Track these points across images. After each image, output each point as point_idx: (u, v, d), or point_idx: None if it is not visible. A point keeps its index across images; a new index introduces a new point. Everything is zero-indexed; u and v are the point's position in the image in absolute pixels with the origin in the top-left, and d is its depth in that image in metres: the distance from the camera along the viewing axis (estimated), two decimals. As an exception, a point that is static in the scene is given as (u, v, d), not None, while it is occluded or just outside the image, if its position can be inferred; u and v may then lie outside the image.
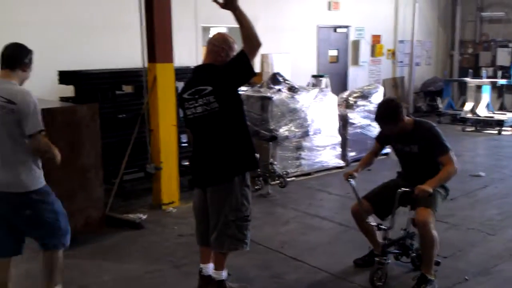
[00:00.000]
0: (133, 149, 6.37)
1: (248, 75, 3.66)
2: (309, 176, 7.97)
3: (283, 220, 6.14)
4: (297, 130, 7.84)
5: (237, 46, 3.75)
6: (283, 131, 7.69)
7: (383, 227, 4.29)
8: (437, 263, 4.32)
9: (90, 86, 6.82)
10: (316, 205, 6.70)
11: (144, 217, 5.92)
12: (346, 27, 13.51)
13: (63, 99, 7.06)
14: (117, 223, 5.82)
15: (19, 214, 3.60)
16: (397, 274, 4.51)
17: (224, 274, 3.99)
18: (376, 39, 14.31)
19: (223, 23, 11.61)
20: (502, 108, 13.76)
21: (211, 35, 3.84)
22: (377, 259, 4.26)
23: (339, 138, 8.45)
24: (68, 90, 7.29)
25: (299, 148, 7.89)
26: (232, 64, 3.61)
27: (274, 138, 7.39)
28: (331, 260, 4.92)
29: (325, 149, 8.23)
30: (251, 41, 3.51)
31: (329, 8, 12.95)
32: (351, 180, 4.34)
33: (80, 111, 5.32)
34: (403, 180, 4.34)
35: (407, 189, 4.02)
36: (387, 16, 14.50)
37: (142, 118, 6.36)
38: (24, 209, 3.58)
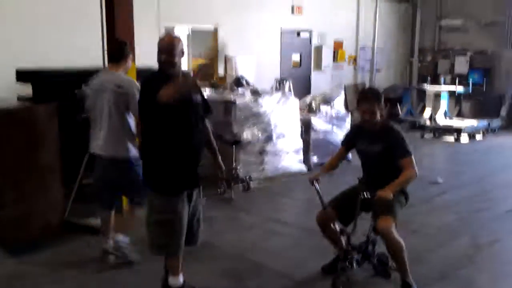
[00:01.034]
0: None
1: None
2: (272, 181, 7.95)
3: (246, 225, 6.10)
4: (260, 134, 7.82)
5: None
6: (246, 135, 7.65)
7: (346, 231, 4.32)
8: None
9: (49, 85, 6.60)
10: (280, 210, 6.69)
11: (103, 221, 5.74)
12: (309, 31, 13.60)
13: (20, 98, 6.83)
14: (76, 228, 5.64)
15: (123, 176, 4.62)
16: (360, 279, 4.52)
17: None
18: (338, 45, 14.46)
19: (185, 22, 11.59)
20: (460, 115, 14.10)
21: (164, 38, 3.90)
22: (340, 264, 4.28)
23: (301, 143, 8.46)
24: (27, 89, 7.07)
25: (262, 152, 7.86)
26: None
27: (237, 142, 7.34)
28: (294, 265, 4.90)
29: (288, 154, 8.23)
30: None
31: (293, 12, 13.01)
32: (316, 184, 4.35)
33: (37, 111, 5.16)
34: (364, 186, 4.36)
35: (367, 195, 4.06)
36: (349, 22, 14.69)
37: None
38: (127, 172, 4.58)
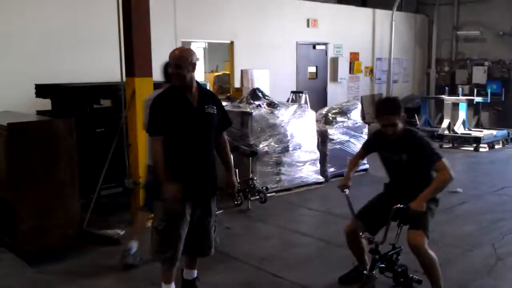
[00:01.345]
0: (111, 164, 6.26)
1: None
2: (289, 192, 7.95)
3: (262, 235, 6.09)
4: (276, 145, 7.83)
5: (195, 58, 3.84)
6: (263, 146, 7.67)
7: (376, 240, 4.12)
8: (419, 281, 4.30)
9: (68, 100, 6.73)
10: (296, 221, 6.67)
11: (122, 233, 5.79)
12: (325, 44, 13.65)
13: (40, 112, 6.96)
14: (94, 239, 5.70)
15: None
16: None
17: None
18: (354, 56, 14.48)
19: (202, 37, 11.73)
20: (478, 125, 13.96)
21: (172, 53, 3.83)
22: (366, 273, 4.09)
23: (318, 154, 8.45)
24: (46, 104, 7.20)
25: (279, 163, 7.87)
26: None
27: (254, 154, 7.36)
28: (311, 276, 4.88)
29: (304, 165, 8.23)
30: None
31: (308, 25, 13.08)
32: (346, 190, 4.22)
33: (56, 125, 5.24)
34: (392, 193, 4.24)
35: (401, 206, 3.89)
36: (364, 34, 14.73)
37: (120, 132, 6.28)
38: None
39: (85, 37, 8.70)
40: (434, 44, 16.14)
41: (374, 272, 4.06)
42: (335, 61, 13.92)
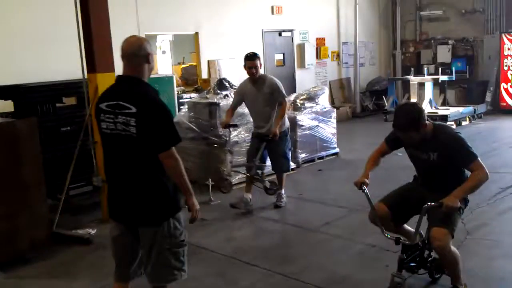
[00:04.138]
0: (79, 162, 6.18)
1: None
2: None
3: (236, 225, 6.09)
4: (246, 134, 7.81)
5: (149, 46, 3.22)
6: (232, 136, 7.63)
7: (405, 241, 3.84)
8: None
9: (30, 100, 6.60)
10: (269, 209, 6.68)
11: (93, 232, 5.73)
12: (291, 31, 13.63)
13: (2, 114, 6.79)
14: (65, 239, 5.63)
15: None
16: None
17: None
18: (320, 42, 14.51)
19: (166, 30, 11.58)
20: (445, 103, 14.17)
21: (125, 43, 3.19)
22: (396, 277, 3.74)
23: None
24: (8, 105, 7.03)
25: (249, 152, 7.84)
26: (156, 129, 3.05)
27: (235, 125, 7.13)
28: (286, 262, 4.90)
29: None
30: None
31: (273, 13, 13.04)
32: (364, 188, 3.90)
33: (17, 126, 5.12)
34: (421, 187, 4.03)
35: (434, 204, 3.61)
36: (329, 18, 14.76)
37: (85, 130, 6.19)
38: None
39: (45, 35, 8.51)
40: (398, 25, 16.28)
41: (402, 272, 3.77)
42: (301, 47, 13.92)
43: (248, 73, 6.36)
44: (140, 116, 3.02)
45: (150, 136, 3.04)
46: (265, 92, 6.32)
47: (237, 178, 7.64)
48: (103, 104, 3.19)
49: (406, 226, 4.23)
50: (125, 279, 3.38)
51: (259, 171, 6.76)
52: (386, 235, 3.91)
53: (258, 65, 6.34)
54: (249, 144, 6.87)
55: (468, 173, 3.84)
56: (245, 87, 6.50)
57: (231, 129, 6.90)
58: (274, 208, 6.56)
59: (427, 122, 3.74)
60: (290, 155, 6.80)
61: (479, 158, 3.71)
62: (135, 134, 3.05)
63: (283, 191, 6.71)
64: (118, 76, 3.22)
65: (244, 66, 6.38)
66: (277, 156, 6.56)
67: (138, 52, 3.13)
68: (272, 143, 6.37)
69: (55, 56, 8.36)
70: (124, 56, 3.15)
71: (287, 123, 6.72)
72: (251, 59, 6.31)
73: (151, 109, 3.04)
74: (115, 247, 3.35)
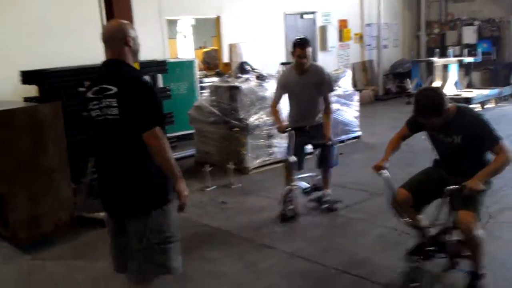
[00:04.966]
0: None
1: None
2: (282, 164, 7.93)
3: (256, 208, 6.12)
4: (267, 118, 7.80)
5: (133, 29, 3.13)
6: (253, 119, 7.65)
7: (425, 225, 3.81)
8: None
9: (53, 85, 6.70)
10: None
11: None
12: (313, 13, 13.51)
13: (27, 99, 6.92)
14: (89, 222, 5.72)
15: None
16: (435, 272, 4.11)
17: None
18: (343, 24, 14.36)
19: (187, 13, 11.59)
20: (470, 85, 13.93)
21: (104, 27, 3.17)
22: (416, 260, 3.72)
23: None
24: (33, 90, 7.16)
25: (270, 136, 7.85)
26: (138, 107, 2.90)
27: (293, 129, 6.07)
28: (307, 245, 4.92)
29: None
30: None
31: (295, -5, 12.94)
32: (383, 172, 3.83)
33: (42, 111, 5.21)
34: (443, 171, 3.94)
35: (456, 187, 3.54)
36: (352, 0, 14.56)
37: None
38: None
39: (69, 21, 8.60)
40: (423, 6, 15.98)
41: (422, 257, 3.75)
42: (324, 29, 13.80)
43: (297, 62, 5.40)
44: (121, 95, 2.92)
45: (132, 116, 2.90)
46: (312, 83, 5.46)
47: (257, 162, 7.66)
48: (90, 92, 3.10)
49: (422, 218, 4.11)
50: (122, 271, 3.29)
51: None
52: (404, 220, 3.88)
53: (309, 53, 5.38)
54: (288, 139, 5.60)
55: (490, 156, 3.77)
56: (289, 78, 5.59)
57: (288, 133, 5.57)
58: (327, 212, 5.74)
59: (450, 104, 3.67)
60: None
61: (503, 141, 3.64)
62: (118, 116, 2.93)
63: (330, 192, 5.87)
64: (102, 62, 3.13)
65: (292, 53, 5.47)
66: (325, 148, 5.60)
67: (116, 35, 3.05)
68: (321, 134, 5.53)
69: (78, 42, 8.45)
70: (104, 40, 3.08)
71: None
72: (302, 46, 5.33)
73: (131, 87, 2.93)
74: (110, 241, 3.27)
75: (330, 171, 5.80)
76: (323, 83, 5.49)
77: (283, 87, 5.64)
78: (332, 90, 5.70)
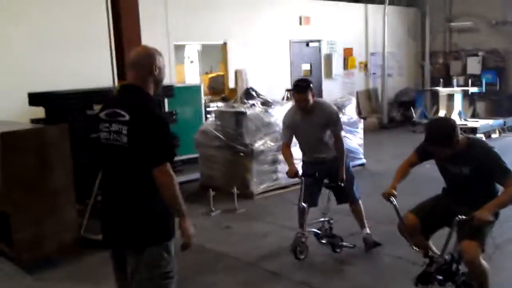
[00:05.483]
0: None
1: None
2: (286, 189, 7.93)
3: (261, 234, 6.09)
4: (272, 143, 7.81)
5: (162, 58, 3.09)
6: (258, 145, 7.66)
7: (433, 255, 3.81)
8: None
9: (60, 107, 6.75)
10: (294, 218, 6.63)
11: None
12: (318, 41, 13.65)
13: (33, 121, 6.96)
14: (93, 244, 5.69)
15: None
16: None
17: None
18: (348, 52, 14.48)
19: (194, 39, 11.71)
20: (474, 115, 13.98)
21: (132, 52, 3.11)
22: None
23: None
24: (40, 112, 7.20)
25: (275, 161, 7.85)
26: (148, 140, 2.84)
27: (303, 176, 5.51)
28: (310, 273, 4.88)
29: (301, 162, 8.20)
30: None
31: (301, 23, 13.08)
32: (392, 199, 3.83)
33: (48, 133, 5.25)
34: (450, 200, 3.94)
35: (466, 217, 3.53)
36: (358, 29, 14.73)
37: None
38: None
39: (77, 44, 8.70)
40: (428, 36, 16.12)
41: (428, 286, 3.73)
42: (329, 57, 13.92)
43: (297, 106, 5.19)
44: (133, 124, 2.84)
45: (141, 148, 2.82)
46: (319, 124, 5.14)
47: (262, 187, 7.64)
48: (103, 113, 3.03)
49: (432, 245, 4.16)
50: None
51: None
52: (413, 247, 3.86)
53: (310, 98, 5.03)
54: (302, 181, 5.13)
55: (498, 186, 3.78)
56: (294, 119, 5.27)
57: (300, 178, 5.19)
58: (372, 248, 5.34)
59: (460, 136, 3.68)
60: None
61: None
62: (126, 145, 2.86)
63: (368, 230, 5.42)
64: (121, 85, 3.10)
65: (293, 95, 5.29)
66: (347, 183, 5.20)
67: (142, 61, 2.98)
68: (336, 170, 5.17)
69: (86, 64, 8.53)
70: (128, 64, 3.04)
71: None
72: (300, 92, 5.03)
73: (144, 117, 2.84)
74: (114, 274, 3.20)
75: (358, 206, 5.39)
76: (329, 124, 5.14)
77: (289, 128, 5.36)
78: (340, 129, 5.24)
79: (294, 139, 5.44)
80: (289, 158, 5.33)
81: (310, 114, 5.13)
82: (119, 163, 2.94)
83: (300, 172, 5.30)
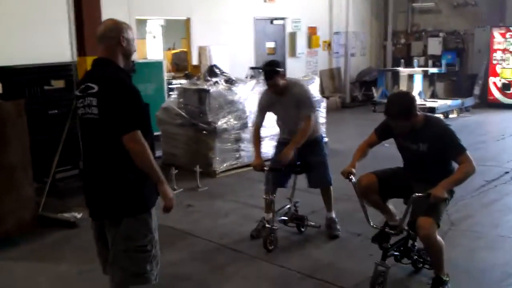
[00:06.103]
0: (66, 146, 6.15)
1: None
2: (249, 168, 7.94)
3: (222, 212, 6.11)
4: (235, 122, 7.80)
5: (130, 30, 3.10)
6: (221, 123, 7.63)
7: (390, 231, 3.90)
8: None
9: (17, 82, 6.55)
10: (256, 196, 6.67)
11: (79, 215, 5.71)
12: (283, 19, 13.60)
13: (-11, 96, 6.74)
14: (51, 222, 5.61)
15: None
16: (400, 277, 4.26)
17: None
18: (312, 31, 14.49)
19: (157, 14, 11.50)
20: (434, 96, 14.24)
21: (100, 25, 3.13)
22: (379, 266, 3.81)
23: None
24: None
25: (238, 140, 7.86)
26: (117, 109, 2.86)
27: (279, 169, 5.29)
28: (273, 251, 4.92)
29: (264, 140, 8.19)
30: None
31: (265, 0, 12.99)
32: (351, 177, 3.95)
33: (4, 108, 5.09)
34: (411, 177, 4.02)
35: (422, 194, 3.65)
36: (322, 8, 14.72)
37: (73, 113, 6.15)
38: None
39: (34, 18, 8.41)
40: (390, 16, 16.28)
41: (386, 261, 3.86)
42: (293, 36, 13.90)
43: (269, 90, 5.13)
44: (101, 95, 2.88)
45: (111, 117, 2.85)
46: (291, 104, 5.03)
47: (224, 165, 7.65)
48: (77, 90, 3.09)
49: (390, 206, 4.31)
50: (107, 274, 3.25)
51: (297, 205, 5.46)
52: (371, 224, 3.97)
53: (279, 81, 4.92)
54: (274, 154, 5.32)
55: (454, 165, 3.90)
56: (271, 99, 5.15)
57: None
58: (330, 239, 5.19)
59: (418, 113, 3.80)
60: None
61: (467, 152, 3.77)
62: (97, 116, 2.90)
63: (333, 214, 5.36)
64: (92, 60, 3.11)
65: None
66: (317, 164, 5.14)
67: (109, 34, 3.01)
68: (309, 152, 5.11)
69: (44, 39, 8.28)
70: (98, 38, 3.05)
71: (320, 128, 5.79)
72: (267, 79, 4.97)
73: (113, 87, 2.89)
74: (95, 243, 3.26)
75: (329, 190, 5.32)
76: (298, 103, 4.98)
77: (265, 109, 5.26)
78: (310, 109, 5.03)
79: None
80: (257, 146, 5.30)
81: (283, 95, 5.06)
82: (94, 135, 2.99)
83: (272, 153, 5.37)
